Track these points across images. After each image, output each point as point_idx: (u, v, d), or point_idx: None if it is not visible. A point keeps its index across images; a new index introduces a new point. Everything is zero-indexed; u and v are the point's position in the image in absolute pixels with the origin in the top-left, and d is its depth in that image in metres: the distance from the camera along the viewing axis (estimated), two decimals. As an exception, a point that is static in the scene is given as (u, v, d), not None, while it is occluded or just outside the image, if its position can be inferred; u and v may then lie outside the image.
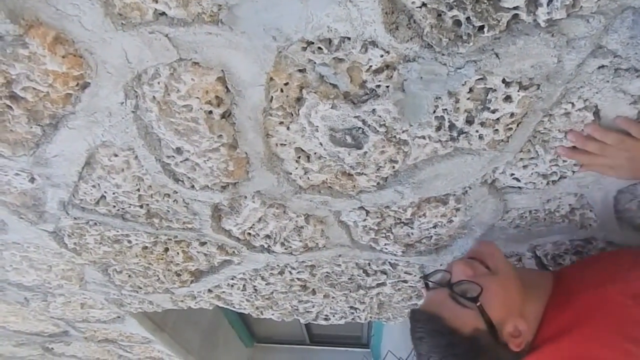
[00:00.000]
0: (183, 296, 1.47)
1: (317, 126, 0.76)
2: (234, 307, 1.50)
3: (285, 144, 0.81)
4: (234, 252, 1.16)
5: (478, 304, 0.77)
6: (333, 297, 1.38)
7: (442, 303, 0.81)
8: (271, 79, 0.70)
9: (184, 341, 2.18)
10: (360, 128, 0.75)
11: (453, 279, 0.84)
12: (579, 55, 0.62)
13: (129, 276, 1.36)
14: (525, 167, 0.82)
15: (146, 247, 1.18)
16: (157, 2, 0.61)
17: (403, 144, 0.77)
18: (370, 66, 0.66)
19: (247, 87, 0.71)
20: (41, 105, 0.77)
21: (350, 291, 1.34)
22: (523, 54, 0.62)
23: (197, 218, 1.03)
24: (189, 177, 0.90)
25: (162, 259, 1.22)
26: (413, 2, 0.57)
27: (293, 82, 0.70)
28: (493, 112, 0.70)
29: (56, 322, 1.95)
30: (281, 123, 0.77)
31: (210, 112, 0.75)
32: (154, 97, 0.73)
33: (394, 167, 0.82)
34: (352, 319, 1.56)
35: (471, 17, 0.58)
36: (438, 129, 0.74)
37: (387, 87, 0.68)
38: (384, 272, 1.25)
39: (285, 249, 1.11)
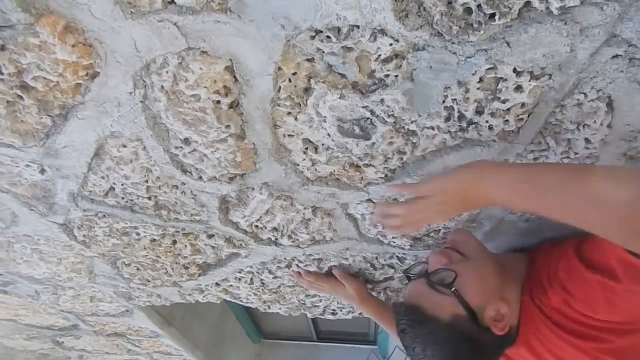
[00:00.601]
0: (191, 290, 1.48)
1: (325, 117, 0.75)
2: (241, 301, 1.50)
3: (292, 135, 0.81)
4: (241, 244, 1.16)
5: (453, 289, 0.78)
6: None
7: (420, 293, 0.83)
8: (279, 68, 0.69)
9: (191, 336, 2.19)
10: (368, 118, 0.75)
11: (429, 268, 0.86)
12: (593, 44, 0.61)
13: (138, 269, 1.37)
14: (535, 159, 0.81)
15: (154, 240, 1.18)
16: (165, -11, 0.61)
17: (411, 135, 0.77)
18: (379, 55, 0.65)
19: (255, 76, 0.71)
20: (51, 95, 0.77)
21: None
22: (535, 43, 0.61)
23: (205, 210, 1.03)
24: (197, 168, 0.90)
25: (170, 252, 1.23)
26: (423, -11, 0.57)
27: (301, 71, 0.70)
28: (503, 102, 0.69)
29: (66, 315, 1.97)
30: (289, 113, 0.77)
31: (218, 101, 0.75)
32: (162, 86, 0.73)
33: (402, 158, 0.81)
34: (360, 313, 1.56)
35: (482, 5, 0.57)
36: (447, 119, 0.73)
37: (396, 76, 0.68)
38: (391, 266, 1.24)
39: (293, 241, 1.11)
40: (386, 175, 0.86)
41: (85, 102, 0.79)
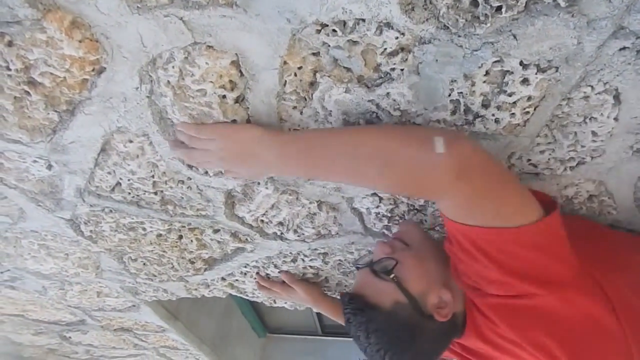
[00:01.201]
0: (197, 284, 1.49)
1: (331, 111, 0.76)
2: (247, 295, 1.51)
3: (298, 129, 0.81)
4: (247, 239, 1.16)
5: (392, 275, 0.80)
6: (346, 286, 1.38)
7: (364, 282, 0.85)
8: (285, 62, 0.69)
9: (197, 330, 2.20)
10: (374, 112, 0.75)
11: (374, 258, 0.87)
12: (600, 36, 0.61)
13: (144, 264, 1.38)
14: (542, 152, 0.81)
15: (160, 235, 1.19)
16: (172, -16, 0.61)
17: (417, 129, 0.77)
18: (385, 49, 0.65)
19: (261, 71, 0.71)
20: (58, 90, 0.78)
21: (363, 280, 1.34)
22: (542, 35, 0.61)
23: (211, 205, 1.04)
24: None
25: (176, 247, 1.23)
26: (429, -18, 0.56)
27: (307, 65, 0.70)
28: (510, 95, 0.69)
29: (73, 310, 1.99)
30: (294, 107, 0.77)
31: (224, 96, 0.75)
32: (168, 81, 0.74)
33: (408, 152, 0.81)
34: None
35: (489, -3, 0.57)
36: (453, 112, 0.73)
37: (402, 70, 0.68)
38: (396, 261, 1.24)
39: (298, 236, 1.11)
40: (392, 170, 0.86)
41: (92, 98, 0.79)
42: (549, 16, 0.59)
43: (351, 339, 0.85)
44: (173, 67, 0.71)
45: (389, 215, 1.01)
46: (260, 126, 0.77)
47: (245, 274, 1.36)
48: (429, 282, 0.81)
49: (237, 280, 1.42)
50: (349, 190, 0.94)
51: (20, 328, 2.33)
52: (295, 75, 0.71)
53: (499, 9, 0.58)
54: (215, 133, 0.78)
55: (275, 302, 1.55)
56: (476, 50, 0.63)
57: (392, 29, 0.62)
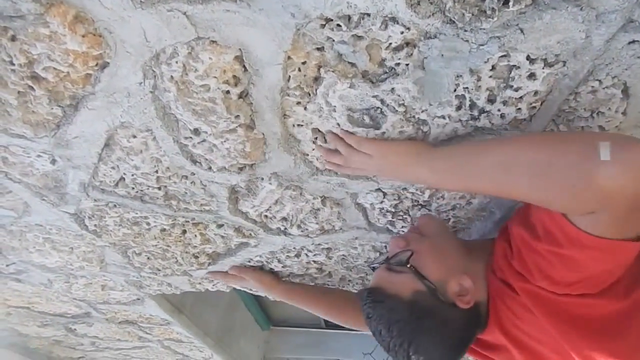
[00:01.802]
0: (201, 278, 1.49)
1: (335, 106, 0.75)
2: (250, 289, 1.51)
3: (302, 125, 0.80)
4: (250, 234, 1.16)
5: (409, 265, 0.78)
6: (349, 280, 1.39)
7: (381, 277, 0.83)
8: (289, 57, 0.69)
9: (201, 323, 2.21)
10: (378, 108, 0.74)
11: (390, 254, 0.86)
12: (609, 29, 0.60)
13: (148, 258, 1.38)
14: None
15: (164, 230, 1.19)
16: (175, -22, 0.60)
17: (422, 124, 0.76)
18: (390, 44, 0.65)
19: (265, 66, 0.70)
20: (62, 85, 0.78)
21: (367, 274, 1.34)
22: (549, 29, 0.60)
23: (215, 200, 1.04)
24: (207, 159, 0.90)
25: (180, 241, 1.23)
26: (435, -25, 0.56)
27: (311, 60, 0.69)
28: (516, 90, 0.69)
29: (78, 303, 2.00)
30: (298, 103, 0.76)
31: (228, 92, 0.74)
32: (172, 76, 0.73)
33: (412, 148, 0.81)
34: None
35: (496, -10, 0.56)
36: (458, 108, 0.72)
37: (407, 65, 0.67)
38: (400, 256, 1.24)
39: (302, 231, 1.11)
40: (396, 165, 0.86)
41: (96, 93, 0.79)
42: (557, 10, 0.58)
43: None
44: (176, 62, 0.71)
45: (393, 210, 1.00)
46: (417, 144, 0.78)
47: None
48: (448, 269, 0.79)
49: (241, 274, 1.42)
50: (353, 186, 0.94)
51: (27, 320, 2.35)
52: (299, 70, 0.71)
53: (506, 2, 0.57)
54: (374, 150, 0.78)
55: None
56: (482, 45, 0.63)
57: (398, 23, 0.61)
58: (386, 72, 0.69)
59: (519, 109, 0.72)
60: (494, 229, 1.04)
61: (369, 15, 0.61)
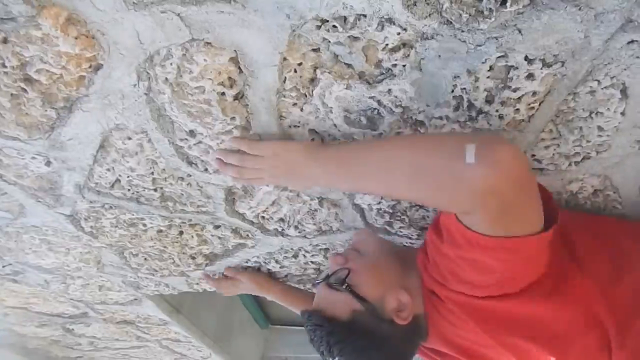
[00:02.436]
0: (198, 279, 1.49)
1: (331, 107, 0.74)
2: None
3: (298, 126, 0.80)
4: (247, 235, 1.16)
5: (345, 285, 0.79)
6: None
7: (320, 297, 0.84)
8: (285, 59, 0.68)
9: (200, 323, 2.21)
10: (375, 109, 0.74)
11: (330, 271, 0.86)
12: (608, 29, 0.59)
13: (145, 259, 1.37)
14: (546, 147, 0.80)
15: (161, 231, 1.18)
16: (168, -21, 0.59)
17: (420, 125, 0.75)
18: (387, 44, 0.64)
19: (260, 67, 0.70)
20: (55, 88, 0.77)
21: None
22: (547, 30, 0.59)
23: (211, 201, 1.03)
24: (203, 160, 0.89)
25: (177, 242, 1.23)
26: (432, -24, 0.55)
27: (307, 62, 0.68)
28: (514, 90, 0.68)
29: (76, 303, 1.99)
30: (295, 104, 0.75)
31: (223, 93, 0.74)
32: (166, 78, 0.72)
33: (410, 149, 0.80)
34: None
35: (493, -9, 0.56)
36: (456, 109, 0.72)
37: (404, 66, 0.66)
38: (398, 256, 1.24)
39: (299, 232, 1.10)
40: (394, 166, 0.85)
41: (90, 95, 0.78)
42: (555, 10, 0.57)
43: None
44: (171, 64, 0.70)
45: (391, 211, 1.00)
46: (307, 142, 0.80)
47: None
48: (385, 286, 0.80)
49: (238, 274, 1.41)
50: (351, 187, 0.93)
51: (24, 320, 2.34)
52: (295, 71, 0.70)
53: (503, 2, 0.56)
54: (266, 150, 0.80)
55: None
56: (480, 46, 0.62)
57: (394, 24, 0.61)
58: (383, 73, 0.68)
59: (517, 109, 0.71)
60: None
61: (365, 16, 0.60)
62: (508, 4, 0.56)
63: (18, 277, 1.72)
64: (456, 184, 0.59)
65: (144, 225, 1.16)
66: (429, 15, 0.58)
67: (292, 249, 1.21)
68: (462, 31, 0.60)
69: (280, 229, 1.11)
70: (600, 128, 0.76)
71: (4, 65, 0.73)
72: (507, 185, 0.56)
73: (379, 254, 0.88)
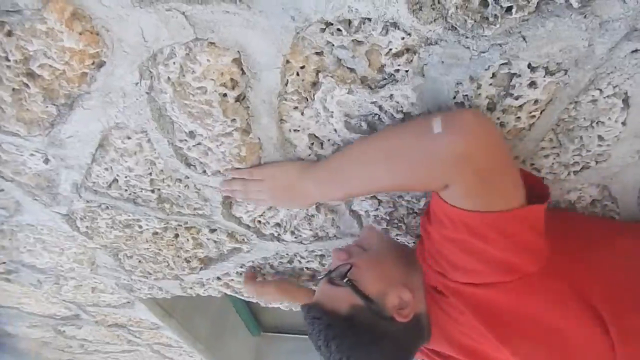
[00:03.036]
0: (192, 283, 1.47)
1: (332, 112, 0.74)
2: (242, 295, 1.49)
3: (298, 130, 0.80)
4: (243, 239, 1.15)
5: (346, 279, 0.78)
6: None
7: (321, 291, 0.83)
8: (288, 61, 0.68)
9: (192, 328, 2.19)
10: (376, 114, 0.74)
11: (331, 267, 0.85)
12: (612, 38, 0.59)
13: (139, 261, 1.36)
14: (546, 156, 0.80)
15: (156, 233, 1.17)
16: (174, -23, 0.59)
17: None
18: (390, 49, 0.64)
19: (263, 69, 0.70)
20: (57, 84, 0.76)
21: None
22: (552, 37, 0.59)
23: (208, 204, 1.02)
24: (201, 162, 0.89)
25: (172, 245, 1.22)
26: (438, -19, 0.55)
27: (310, 65, 0.68)
28: (516, 98, 0.68)
29: (68, 305, 1.97)
30: (296, 108, 0.75)
31: (225, 94, 0.73)
32: (168, 77, 0.72)
33: (410, 155, 0.80)
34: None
35: (499, -3, 0.56)
36: (458, 116, 0.72)
37: (407, 71, 0.66)
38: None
39: (295, 237, 1.10)
40: (394, 172, 0.85)
41: (91, 92, 0.78)
42: (560, 17, 0.57)
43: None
44: (174, 63, 0.70)
45: (388, 218, 0.99)
46: (300, 162, 0.84)
47: (241, 274, 1.35)
48: (387, 283, 0.79)
49: (232, 280, 1.40)
50: (350, 192, 0.93)
51: (15, 320, 2.32)
52: (298, 74, 0.70)
53: (509, 9, 0.57)
54: (264, 174, 0.86)
55: (270, 303, 1.52)
56: (484, 52, 0.62)
57: (399, 29, 0.61)
58: (385, 78, 0.68)
59: (519, 117, 0.71)
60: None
61: (369, 20, 0.61)
62: (513, 11, 0.56)
63: (11, 276, 1.71)
64: (429, 156, 0.61)
65: (140, 227, 1.15)
66: (434, 20, 0.59)
67: (287, 254, 1.20)
68: (467, 37, 0.60)
69: (276, 234, 1.10)
70: (600, 137, 0.76)
71: (7, 59, 0.73)
72: (477, 148, 0.58)
73: (382, 250, 0.87)
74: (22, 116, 0.84)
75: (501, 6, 0.56)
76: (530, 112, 0.70)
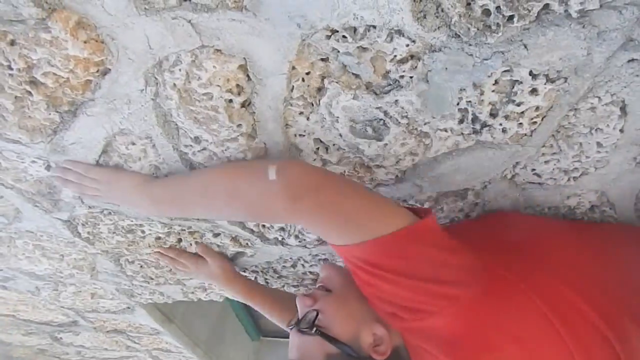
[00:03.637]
0: (194, 288, 1.47)
1: (338, 117, 0.75)
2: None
3: (304, 135, 0.80)
4: (247, 244, 1.15)
5: (314, 330, 0.75)
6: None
7: (294, 344, 0.80)
8: (293, 67, 0.69)
9: (192, 333, 2.18)
10: (381, 119, 0.74)
11: (299, 314, 0.83)
12: (610, 47, 0.61)
13: (141, 267, 1.36)
14: (547, 162, 0.81)
15: (159, 238, 1.17)
16: (181, -13, 0.60)
17: (424, 137, 0.76)
18: (395, 56, 0.65)
19: (269, 75, 0.70)
20: (61, 91, 0.77)
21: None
22: (552, 46, 0.61)
23: (212, 209, 1.02)
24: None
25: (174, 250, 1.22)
26: (442, -10, 0.56)
27: (315, 71, 0.69)
28: (518, 105, 0.69)
29: (66, 311, 1.96)
30: (301, 113, 0.76)
31: (231, 100, 0.74)
32: (174, 84, 0.73)
33: (413, 159, 0.81)
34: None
35: (501, 7, 0.57)
36: (461, 121, 0.73)
37: (411, 77, 0.67)
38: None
39: (300, 241, 1.10)
40: (397, 177, 0.86)
41: (95, 99, 0.78)
42: (560, 26, 0.59)
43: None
44: (179, 70, 0.70)
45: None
46: (139, 176, 0.90)
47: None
48: (358, 322, 0.75)
49: (234, 284, 1.40)
50: (352, 196, 0.93)
51: (11, 328, 2.30)
52: (303, 80, 0.71)
53: (511, 18, 0.58)
54: (99, 176, 0.90)
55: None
56: (486, 59, 0.63)
57: (403, 36, 0.62)
58: (390, 84, 0.69)
59: (521, 123, 0.72)
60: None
61: (375, 27, 0.61)
62: (515, 20, 0.58)
63: (8, 283, 1.69)
64: (265, 198, 0.71)
65: (143, 232, 1.15)
66: (438, 28, 0.60)
67: (291, 258, 1.20)
68: (470, 45, 0.61)
69: (280, 238, 1.10)
70: (599, 144, 0.77)
71: (10, 68, 0.73)
72: (305, 190, 0.68)
73: (346, 288, 0.83)
74: (24, 124, 0.84)
75: (503, 15, 0.57)
76: (532, 119, 0.71)
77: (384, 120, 0.74)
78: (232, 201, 0.75)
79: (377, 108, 0.72)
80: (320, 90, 0.72)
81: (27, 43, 0.69)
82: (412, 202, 0.94)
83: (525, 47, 0.61)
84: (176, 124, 0.80)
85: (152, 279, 1.42)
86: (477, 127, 0.73)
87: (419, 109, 0.71)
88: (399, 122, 0.73)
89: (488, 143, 0.77)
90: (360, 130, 0.76)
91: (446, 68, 0.65)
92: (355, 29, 0.62)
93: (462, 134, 0.75)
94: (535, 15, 0.57)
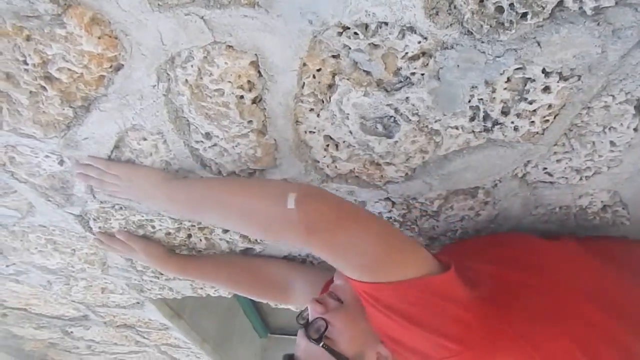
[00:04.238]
0: (203, 283, 1.48)
1: (348, 114, 0.75)
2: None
3: (314, 132, 0.80)
4: (256, 240, 1.16)
5: (322, 343, 0.76)
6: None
7: (301, 346, 0.80)
8: (304, 64, 0.69)
9: (200, 329, 2.20)
10: (392, 117, 0.74)
11: (310, 317, 0.84)
12: (625, 45, 0.60)
13: (151, 262, 1.37)
14: (558, 161, 0.80)
15: (169, 233, 1.18)
16: (195, -17, 0.61)
17: (435, 134, 0.76)
18: (407, 53, 0.65)
19: (280, 72, 0.71)
20: (74, 86, 0.78)
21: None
22: (566, 43, 0.60)
23: (222, 205, 1.03)
24: (217, 163, 0.90)
25: (184, 245, 1.23)
26: (455, -14, 0.56)
27: (326, 68, 0.69)
28: (530, 103, 0.69)
29: (77, 306, 1.98)
30: (312, 110, 0.76)
31: (242, 96, 0.74)
32: (186, 80, 0.73)
33: (424, 157, 0.81)
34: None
35: (515, 3, 0.57)
36: (472, 119, 0.73)
37: (422, 75, 0.67)
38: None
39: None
40: (406, 174, 0.86)
41: (108, 94, 0.79)
42: (574, 24, 0.58)
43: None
44: (192, 66, 0.71)
45: (401, 220, 1.00)
46: (158, 173, 0.91)
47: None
48: (365, 340, 0.77)
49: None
50: (362, 194, 0.94)
51: (23, 322, 2.33)
52: (314, 77, 0.71)
53: (524, 15, 0.58)
54: (121, 172, 0.91)
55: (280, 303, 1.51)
56: (499, 57, 0.63)
57: (415, 33, 0.61)
58: (401, 81, 0.69)
59: (533, 122, 0.72)
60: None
61: (386, 24, 0.61)
62: (528, 17, 0.57)
63: (21, 277, 1.72)
64: (282, 224, 0.71)
65: (153, 227, 1.16)
66: (451, 25, 0.59)
67: (299, 255, 1.21)
68: (482, 42, 0.61)
69: (288, 235, 1.11)
70: (612, 143, 0.76)
71: (25, 63, 0.74)
72: (323, 226, 0.69)
73: (359, 304, 0.81)
74: (39, 119, 0.85)
75: (516, 12, 0.57)
76: (544, 117, 0.71)
77: (395, 118, 0.74)
78: (247, 218, 0.76)
79: (387, 105, 0.72)
80: (331, 87, 0.72)
81: (42, 38, 0.70)
82: (422, 200, 0.94)
83: (539, 44, 0.61)
84: (187, 120, 0.81)
85: (161, 274, 1.43)
86: (489, 125, 0.73)
87: (430, 106, 0.71)
88: (410, 120, 0.73)
89: (499, 141, 0.76)
90: (370, 127, 0.76)
91: (458, 65, 0.65)
92: (367, 26, 0.62)
93: (473, 131, 0.75)
94: (549, 12, 0.57)
